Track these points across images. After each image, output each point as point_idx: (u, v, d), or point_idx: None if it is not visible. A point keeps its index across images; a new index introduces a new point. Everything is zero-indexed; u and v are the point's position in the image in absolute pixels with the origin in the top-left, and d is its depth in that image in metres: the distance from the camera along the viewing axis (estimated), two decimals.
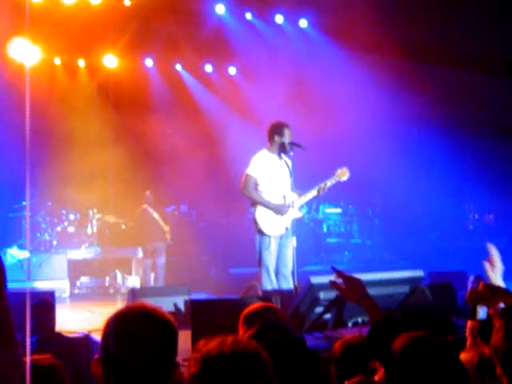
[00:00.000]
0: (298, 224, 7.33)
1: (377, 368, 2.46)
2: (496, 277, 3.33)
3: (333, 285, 3.12)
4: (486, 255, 3.36)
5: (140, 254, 11.58)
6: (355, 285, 3.05)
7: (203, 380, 1.95)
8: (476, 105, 13.00)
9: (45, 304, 6.02)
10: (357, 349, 3.05)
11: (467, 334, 3.21)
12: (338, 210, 13.03)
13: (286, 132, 7.08)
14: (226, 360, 1.96)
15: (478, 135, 13.46)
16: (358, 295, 3.03)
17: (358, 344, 3.08)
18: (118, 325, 2.10)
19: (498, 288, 3.11)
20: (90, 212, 11.87)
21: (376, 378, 2.41)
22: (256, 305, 3.87)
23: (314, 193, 7.21)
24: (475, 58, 12.71)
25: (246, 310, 3.67)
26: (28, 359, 2.40)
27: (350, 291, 3.06)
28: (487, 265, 3.33)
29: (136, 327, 2.09)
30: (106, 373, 2.10)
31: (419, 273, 6.22)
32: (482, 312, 3.12)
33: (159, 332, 2.11)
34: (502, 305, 3.11)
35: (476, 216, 14.02)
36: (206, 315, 5.67)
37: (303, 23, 13.14)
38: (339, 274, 3.08)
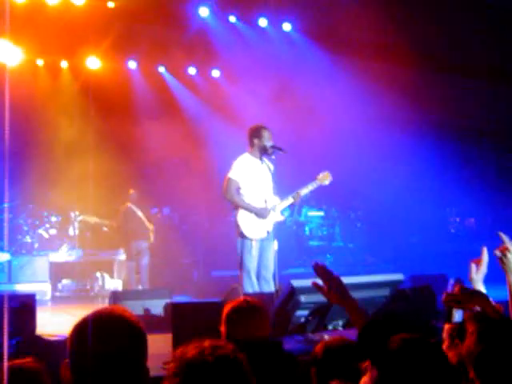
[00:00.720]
0: (280, 227, 7.36)
1: (367, 369, 2.47)
2: (478, 280, 3.36)
3: (315, 286, 3.13)
4: (475, 256, 3.38)
5: (122, 256, 11.55)
6: (336, 285, 3.07)
7: None
8: (457, 110, 13.09)
9: (25, 307, 6.00)
10: (338, 351, 3.07)
11: (444, 335, 3.24)
12: (321, 213, 13.05)
13: (265, 134, 7.10)
14: (207, 366, 1.93)
15: (460, 140, 13.56)
16: (340, 295, 3.06)
17: (339, 346, 3.10)
18: (84, 330, 2.11)
19: (474, 292, 3.14)
20: (72, 214, 11.80)
21: (364, 379, 2.43)
22: (239, 300, 3.82)
23: (296, 197, 7.23)
24: (458, 61, 12.80)
25: (228, 307, 3.63)
26: (5, 362, 2.40)
27: (332, 292, 3.07)
28: (473, 266, 3.35)
29: (102, 332, 2.09)
30: (74, 377, 2.10)
31: (399, 276, 6.27)
32: (457, 315, 3.14)
33: (126, 336, 2.11)
34: (477, 308, 3.15)
35: (457, 219, 14.12)
36: (186, 318, 5.68)
37: (287, 27, 13.16)
38: (320, 271, 3.09)
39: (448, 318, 3.11)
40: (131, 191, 11.21)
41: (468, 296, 3.03)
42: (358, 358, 2.88)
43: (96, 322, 2.12)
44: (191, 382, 1.91)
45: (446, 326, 3.23)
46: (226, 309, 3.60)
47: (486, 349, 2.48)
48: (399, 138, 12.94)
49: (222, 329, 3.55)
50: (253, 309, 3.59)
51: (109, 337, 2.09)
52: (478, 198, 13.14)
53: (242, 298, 3.78)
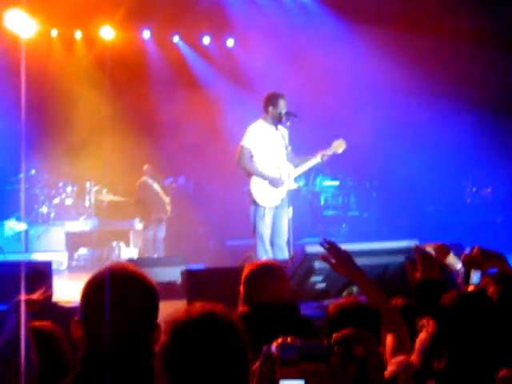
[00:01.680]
0: (294, 196, 7.35)
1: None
2: None
3: (323, 258, 3.14)
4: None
5: (138, 226, 11.62)
6: (345, 258, 3.07)
7: (171, 349, 1.90)
8: (476, 80, 12.91)
9: (41, 274, 6.04)
10: (350, 312, 3.06)
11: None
12: (336, 183, 12.98)
13: (281, 102, 7.07)
14: (192, 325, 1.90)
15: (477, 110, 13.40)
16: (349, 269, 3.06)
17: (352, 307, 3.09)
18: (100, 287, 2.07)
19: (492, 253, 3.13)
20: (88, 184, 11.86)
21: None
22: (258, 262, 3.81)
23: (309, 164, 7.21)
24: (478, 32, 12.58)
25: (247, 269, 3.58)
26: (23, 326, 2.42)
27: (341, 265, 3.07)
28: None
29: (115, 288, 2.05)
30: (85, 334, 2.08)
31: (414, 243, 6.22)
32: (475, 277, 3.14)
33: (139, 293, 2.08)
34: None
35: (474, 189, 14.01)
36: (202, 285, 5.69)
37: None
38: (329, 247, 3.10)
39: (466, 279, 3.10)
40: (146, 166, 11.31)
41: (487, 257, 3.02)
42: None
43: (113, 280, 2.08)
44: (176, 339, 1.90)
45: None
46: (245, 271, 3.56)
47: (507, 308, 2.49)
48: (417, 107, 12.84)
49: (241, 290, 3.53)
50: (271, 270, 3.56)
51: (126, 296, 2.07)
52: (494, 167, 13.03)
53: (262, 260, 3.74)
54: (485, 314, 2.28)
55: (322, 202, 12.76)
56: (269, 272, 3.52)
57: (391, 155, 12.23)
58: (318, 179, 12.74)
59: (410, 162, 12.30)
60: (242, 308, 3.42)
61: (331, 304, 3.14)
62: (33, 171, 11.53)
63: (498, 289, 2.58)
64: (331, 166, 12.34)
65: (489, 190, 13.92)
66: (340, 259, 3.05)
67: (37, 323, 2.94)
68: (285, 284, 3.60)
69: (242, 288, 3.51)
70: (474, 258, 3.04)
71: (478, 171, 13.53)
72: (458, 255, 8.35)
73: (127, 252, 11.31)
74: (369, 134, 11.77)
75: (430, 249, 3.47)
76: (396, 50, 12.27)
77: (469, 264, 3.06)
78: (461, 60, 12.77)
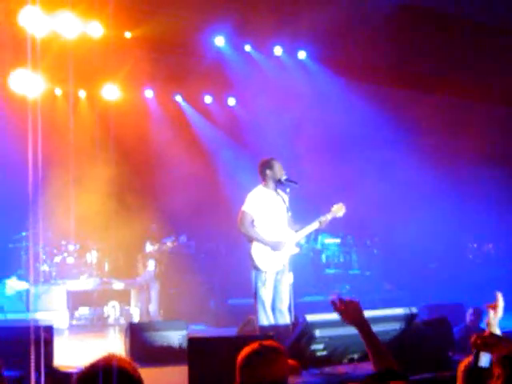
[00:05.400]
0: (296, 254, 7.37)
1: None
2: (494, 324, 3.40)
3: (333, 305, 3.21)
4: (493, 284, 3.46)
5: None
6: (354, 307, 3.19)
7: None
8: (475, 134, 13.05)
9: (44, 339, 6.04)
10: None
11: (458, 374, 3.26)
12: (337, 241, 13.04)
13: (276, 166, 7.16)
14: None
15: (476, 164, 13.51)
16: (357, 318, 3.17)
17: None
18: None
19: (503, 337, 3.16)
20: (89, 242, 11.90)
21: None
22: (252, 346, 3.76)
23: (310, 228, 7.28)
24: (471, 86, 12.79)
25: (242, 355, 3.55)
26: None
27: (349, 313, 3.19)
28: (491, 312, 3.43)
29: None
30: None
31: (413, 310, 6.25)
32: (484, 359, 3.15)
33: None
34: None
35: (475, 245, 14.04)
36: (202, 353, 5.69)
37: (302, 55, 13.30)
38: (337, 305, 3.17)
39: (475, 361, 3.11)
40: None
41: (497, 340, 3.05)
42: None
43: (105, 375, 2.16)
44: None
45: (461, 366, 3.24)
46: (240, 356, 3.50)
47: None
48: (416, 164, 12.94)
49: (236, 375, 3.48)
50: (267, 354, 3.49)
51: None
52: (495, 223, 13.07)
53: (256, 343, 3.68)
54: None
55: (324, 260, 12.80)
56: (264, 356, 3.44)
57: (392, 212, 12.30)
58: (320, 237, 12.79)
59: (412, 219, 12.35)
60: None
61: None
62: (34, 230, 11.56)
63: (505, 372, 2.60)
64: (332, 224, 12.37)
65: (490, 246, 13.95)
66: (349, 308, 3.17)
67: None
68: (282, 365, 3.56)
69: (237, 373, 3.45)
70: (486, 339, 3.07)
71: (479, 227, 13.55)
72: (458, 316, 8.29)
73: (128, 312, 11.28)
74: (368, 192, 11.85)
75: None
76: (396, 105, 12.45)
77: (479, 345, 3.09)
78: (462, 115, 12.95)
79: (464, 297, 9.71)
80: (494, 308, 3.41)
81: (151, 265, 11.43)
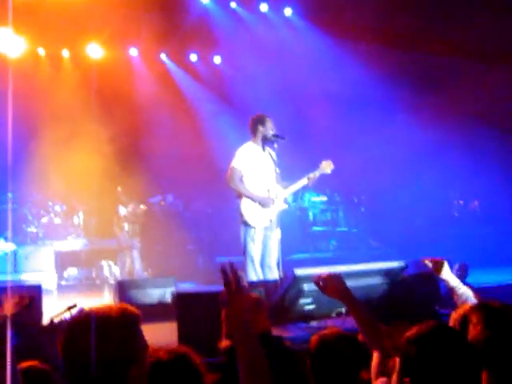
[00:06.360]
0: (284, 213, 7.38)
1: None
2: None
3: (314, 281, 3.22)
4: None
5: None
6: (336, 281, 3.22)
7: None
8: (459, 93, 13.00)
9: (31, 299, 6.02)
10: (333, 344, 3.09)
11: (451, 324, 3.29)
12: (324, 199, 13.02)
13: (269, 123, 7.15)
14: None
15: (463, 122, 13.48)
16: (339, 291, 3.21)
17: (334, 339, 3.12)
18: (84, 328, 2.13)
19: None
20: (76, 203, 11.85)
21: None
22: None
23: (298, 185, 7.29)
24: (464, 44, 12.67)
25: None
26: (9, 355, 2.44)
27: (331, 288, 3.22)
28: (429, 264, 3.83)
29: (103, 334, 2.11)
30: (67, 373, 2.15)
31: (401, 264, 6.30)
32: None
33: (112, 330, 2.13)
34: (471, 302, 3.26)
35: (461, 202, 14.09)
36: (191, 307, 5.71)
37: (288, 11, 13.14)
38: (320, 280, 3.21)
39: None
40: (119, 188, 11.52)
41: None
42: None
43: (99, 323, 2.13)
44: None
45: (453, 315, 3.28)
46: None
47: (493, 336, 2.53)
48: (403, 121, 12.91)
49: (223, 326, 3.55)
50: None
51: (108, 340, 2.12)
52: (481, 180, 13.09)
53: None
54: (447, 348, 2.27)
55: (311, 218, 12.80)
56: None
57: (379, 170, 12.29)
58: (306, 195, 12.77)
59: (398, 177, 12.36)
60: (225, 343, 3.45)
61: (314, 336, 3.18)
62: (20, 191, 11.49)
63: (483, 316, 2.62)
64: (318, 182, 12.37)
65: (476, 203, 14.00)
66: (331, 282, 3.20)
67: (25, 364, 2.94)
68: (264, 316, 3.63)
69: (223, 324, 3.52)
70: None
71: (465, 184, 13.58)
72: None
73: (116, 271, 11.30)
74: (355, 149, 11.85)
75: (428, 263, 3.68)
76: (382, 63, 12.36)
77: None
78: (450, 73, 12.88)
79: (450, 252, 9.77)
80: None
81: (125, 227, 11.43)
